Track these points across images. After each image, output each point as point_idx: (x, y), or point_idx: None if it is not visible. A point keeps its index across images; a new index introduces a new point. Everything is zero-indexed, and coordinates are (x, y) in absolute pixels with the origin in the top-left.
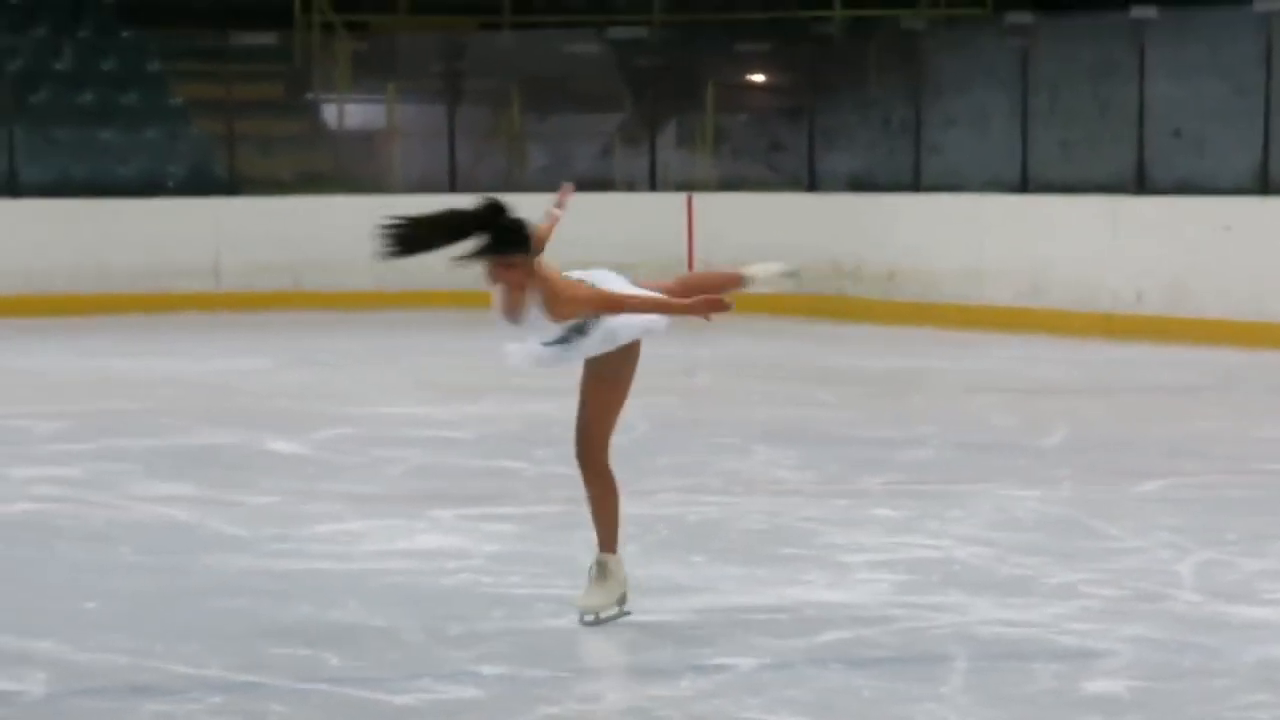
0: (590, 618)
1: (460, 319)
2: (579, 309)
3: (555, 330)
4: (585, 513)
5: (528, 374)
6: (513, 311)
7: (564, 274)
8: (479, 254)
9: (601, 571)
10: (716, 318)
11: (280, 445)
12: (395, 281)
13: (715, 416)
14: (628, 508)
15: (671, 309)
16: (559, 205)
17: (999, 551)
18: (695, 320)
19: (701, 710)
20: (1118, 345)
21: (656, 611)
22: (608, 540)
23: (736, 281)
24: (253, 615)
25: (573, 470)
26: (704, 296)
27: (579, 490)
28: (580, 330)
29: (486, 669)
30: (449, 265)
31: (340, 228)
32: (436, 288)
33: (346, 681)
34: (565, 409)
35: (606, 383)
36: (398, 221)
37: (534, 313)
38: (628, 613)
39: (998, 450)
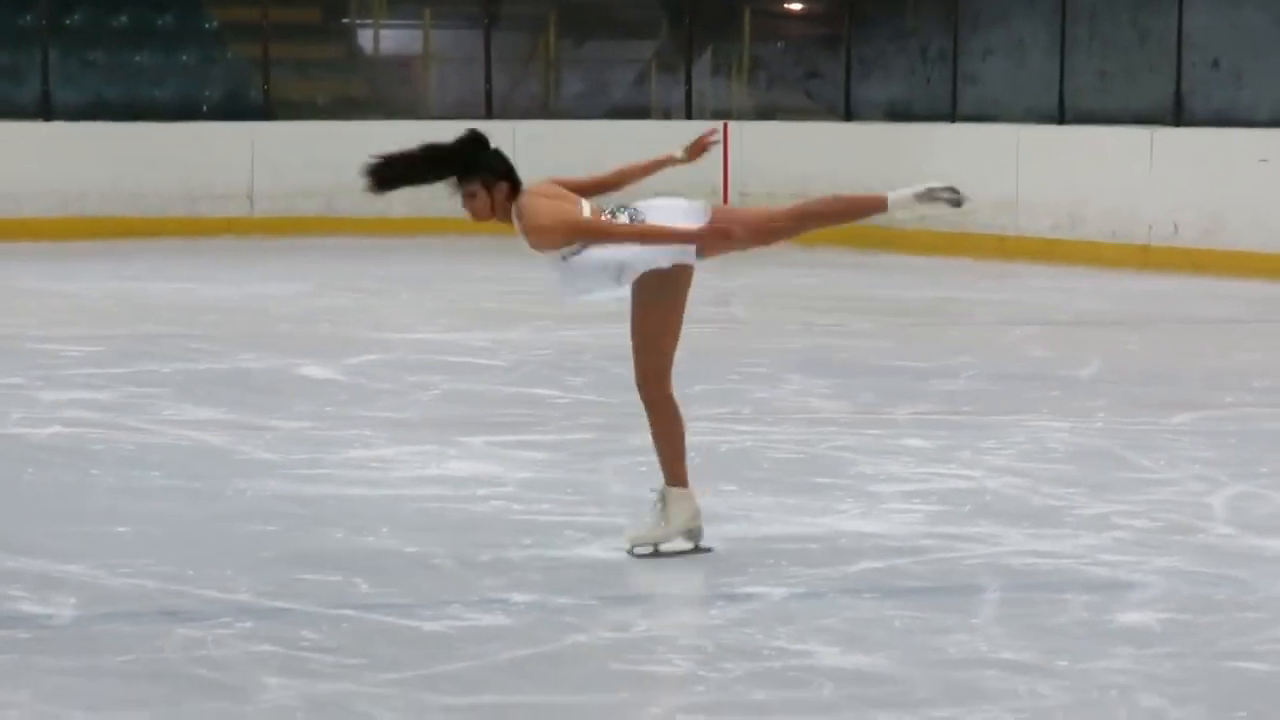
0: (640, 549)
1: (494, 245)
2: (551, 238)
3: (554, 257)
4: (616, 440)
5: (573, 305)
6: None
7: (607, 209)
8: (437, 179)
9: (658, 503)
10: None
11: (313, 370)
12: (430, 207)
13: (749, 345)
14: None
15: (667, 236)
16: (687, 150)
17: (1031, 482)
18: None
19: (732, 639)
20: (1154, 277)
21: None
22: (666, 472)
23: (877, 205)
24: (284, 541)
25: (604, 397)
26: (712, 226)
27: (610, 418)
28: (573, 253)
29: (516, 596)
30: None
31: (376, 153)
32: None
33: (377, 608)
34: (598, 337)
35: (643, 311)
36: (377, 160)
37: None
38: (704, 549)
39: (1032, 381)
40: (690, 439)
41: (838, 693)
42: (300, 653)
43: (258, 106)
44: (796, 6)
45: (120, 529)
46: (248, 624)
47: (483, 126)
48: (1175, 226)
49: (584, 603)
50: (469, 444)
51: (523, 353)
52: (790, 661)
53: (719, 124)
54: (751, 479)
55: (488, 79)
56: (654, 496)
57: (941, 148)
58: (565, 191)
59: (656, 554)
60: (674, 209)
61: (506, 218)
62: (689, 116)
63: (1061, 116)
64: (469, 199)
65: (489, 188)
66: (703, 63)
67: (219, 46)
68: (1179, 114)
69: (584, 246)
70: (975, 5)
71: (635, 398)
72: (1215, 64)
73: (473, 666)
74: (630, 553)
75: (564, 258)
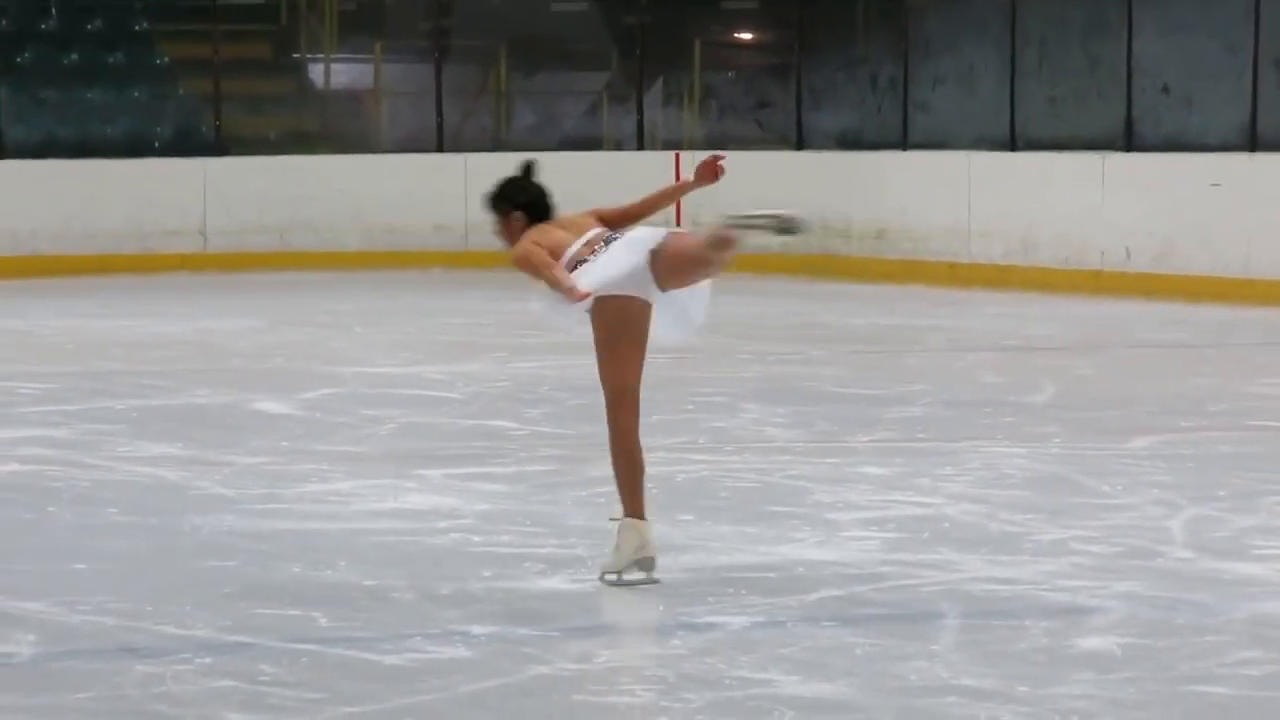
0: (608, 577)
1: (448, 280)
2: (519, 268)
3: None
4: (574, 471)
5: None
6: None
7: (603, 241)
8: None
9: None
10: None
11: (269, 405)
12: (382, 242)
13: (704, 375)
14: None
15: (554, 285)
16: (697, 173)
17: (989, 509)
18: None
19: (693, 669)
20: (1107, 302)
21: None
22: (620, 499)
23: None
24: (242, 575)
25: (561, 429)
26: (569, 282)
27: (568, 449)
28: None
29: (477, 629)
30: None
31: (327, 187)
32: (424, 249)
33: (336, 642)
34: (554, 369)
35: (596, 340)
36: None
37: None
38: (653, 580)
39: (987, 408)
40: (648, 469)
41: None
42: (260, 688)
43: (209, 142)
44: (746, 36)
45: (78, 566)
46: (207, 659)
47: (434, 160)
48: (1127, 252)
49: (545, 634)
50: (427, 477)
51: (479, 385)
52: (751, 690)
53: (721, 152)
54: (709, 508)
55: (439, 112)
56: (614, 525)
57: (893, 176)
58: (571, 222)
59: (620, 583)
60: (632, 240)
61: None
62: (640, 147)
63: (1012, 143)
64: (496, 229)
65: (505, 218)
66: (654, 93)
67: (170, 83)
68: (1130, 140)
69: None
70: (925, 33)
71: (592, 429)
72: (1165, 89)
73: (434, 700)
74: (601, 580)
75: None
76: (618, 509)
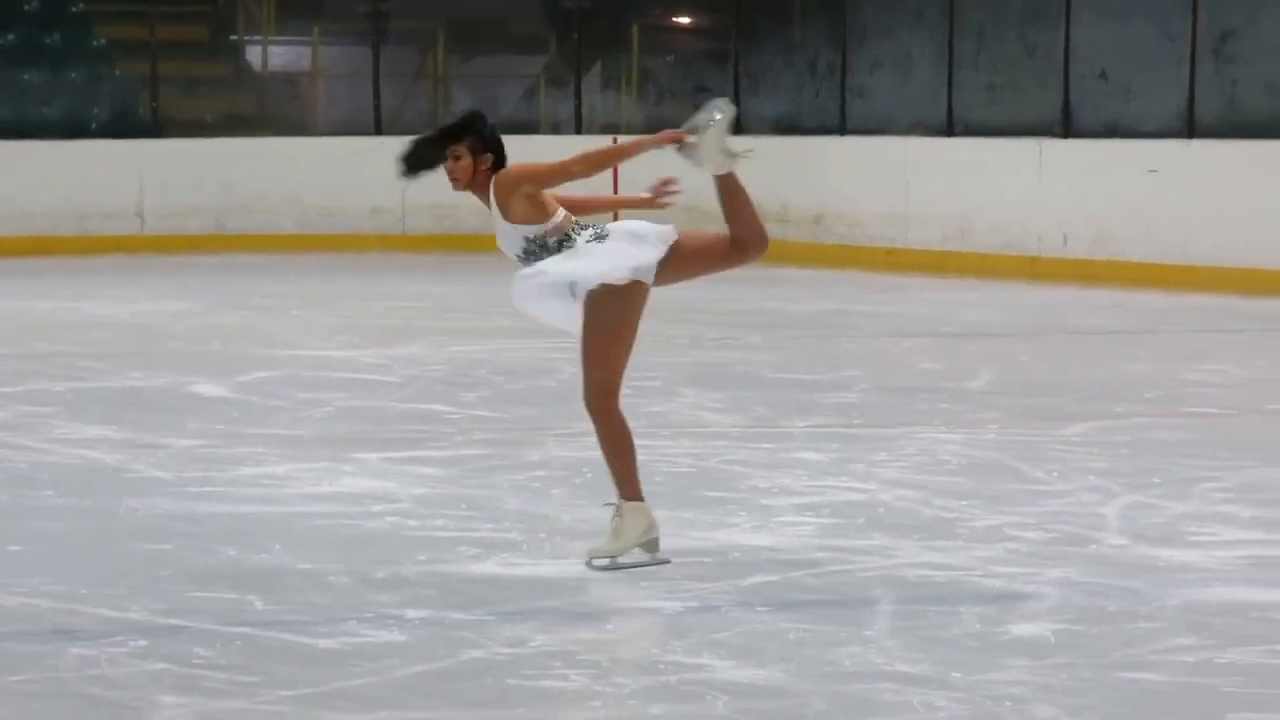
0: (598, 561)
1: (384, 262)
2: (520, 186)
3: (517, 240)
4: (510, 455)
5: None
6: (496, 219)
7: (577, 228)
8: (432, 144)
9: (615, 517)
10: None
11: (204, 388)
12: (319, 225)
13: (641, 359)
14: (558, 450)
15: (624, 152)
16: (651, 190)
17: (925, 495)
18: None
19: (627, 653)
20: (1044, 288)
21: (581, 555)
22: (620, 486)
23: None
24: (177, 558)
25: (497, 413)
26: (666, 132)
27: (504, 433)
28: (543, 247)
29: (411, 612)
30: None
31: (264, 170)
32: (361, 231)
33: (271, 625)
34: (491, 352)
35: (594, 326)
36: (405, 149)
37: (495, 214)
38: (662, 560)
39: (924, 393)
40: (584, 454)
41: (732, 706)
42: (195, 670)
43: (146, 124)
44: (684, 21)
45: (13, 548)
46: (142, 642)
47: (371, 143)
48: (1064, 238)
49: (479, 619)
50: (363, 460)
51: (415, 369)
52: (685, 675)
53: (672, 177)
54: (645, 493)
55: (376, 95)
56: (610, 510)
57: (831, 161)
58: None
59: (615, 567)
60: (640, 231)
61: (482, 192)
62: (578, 131)
63: (950, 129)
64: (453, 160)
65: (475, 154)
66: (592, 77)
67: (107, 65)
68: (1067, 126)
69: (540, 252)
70: (862, 19)
71: (529, 412)
72: (1103, 75)
73: (369, 683)
74: (589, 565)
75: (520, 256)
76: (613, 495)
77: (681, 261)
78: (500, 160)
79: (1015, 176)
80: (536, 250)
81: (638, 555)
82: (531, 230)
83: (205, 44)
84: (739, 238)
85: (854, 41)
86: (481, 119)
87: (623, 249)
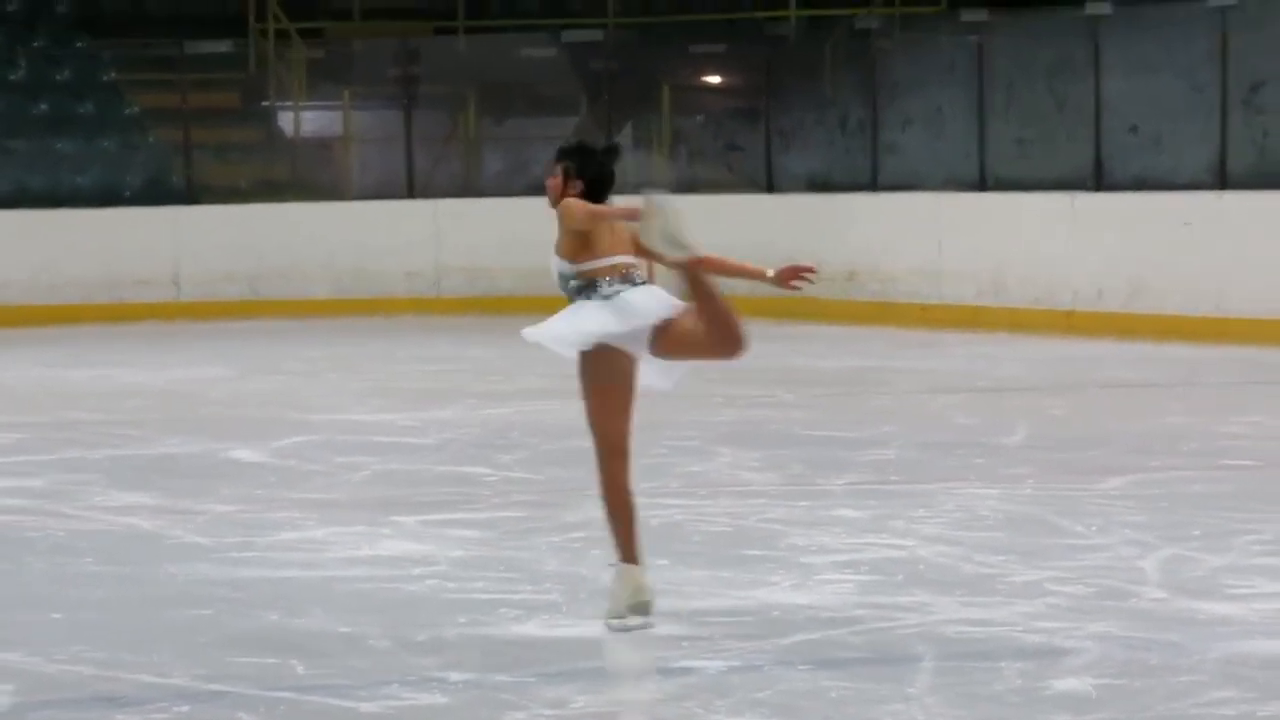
0: (613, 622)
1: (418, 325)
2: (564, 220)
3: (555, 271)
4: (547, 516)
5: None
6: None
7: (626, 279)
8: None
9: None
10: None
11: (242, 454)
12: (353, 289)
13: (677, 418)
14: (590, 511)
15: (612, 214)
16: (779, 272)
17: (963, 550)
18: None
19: (669, 714)
20: (1078, 342)
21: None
22: (616, 547)
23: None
24: (218, 624)
25: (533, 474)
26: (788, 265)
27: (540, 494)
28: (565, 287)
29: (453, 675)
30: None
31: (298, 235)
32: (394, 295)
33: (313, 689)
34: (526, 414)
35: (582, 390)
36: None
37: (557, 233)
38: (647, 624)
39: (960, 449)
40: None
41: None
42: None
43: (179, 191)
44: (714, 80)
45: (54, 615)
46: (184, 708)
47: (404, 206)
48: (1098, 291)
49: (521, 680)
50: (401, 523)
51: (451, 431)
52: None
53: (812, 265)
54: (683, 553)
55: (409, 158)
56: (612, 570)
57: (863, 217)
58: (617, 228)
59: (623, 629)
60: (634, 303)
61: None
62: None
63: (982, 184)
64: (551, 177)
65: (568, 176)
66: (623, 137)
67: (139, 132)
68: (1099, 179)
69: (568, 290)
70: (893, 75)
71: (565, 474)
72: (1134, 129)
73: None
74: (607, 626)
75: (579, 289)
76: (615, 555)
77: (668, 344)
78: (591, 193)
79: (1048, 230)
80: (565, 287)
81: (629, 620)
82: (566, 267)
83: (237, 110)
84: (714, 339)
85: (884, 98)
86: (588, 149)
87: (598, 316)
